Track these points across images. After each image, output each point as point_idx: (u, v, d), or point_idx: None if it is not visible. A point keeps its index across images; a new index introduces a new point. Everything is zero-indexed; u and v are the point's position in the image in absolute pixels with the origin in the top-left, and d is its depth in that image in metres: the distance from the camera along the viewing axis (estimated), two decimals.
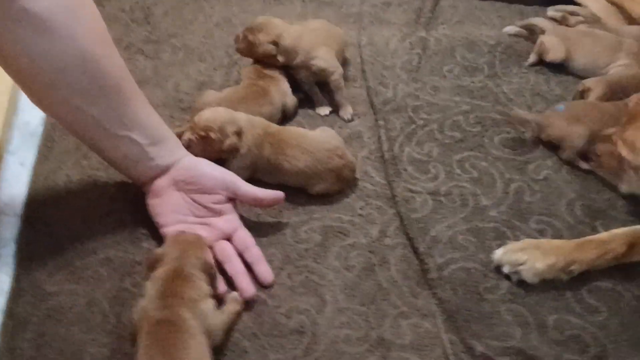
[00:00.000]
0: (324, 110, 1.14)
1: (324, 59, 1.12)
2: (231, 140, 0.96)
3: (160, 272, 0.79)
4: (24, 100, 1.12)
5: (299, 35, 1.13)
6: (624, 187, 1.00)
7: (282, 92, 1.11)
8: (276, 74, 1.12)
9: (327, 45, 1.14)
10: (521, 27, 1.32)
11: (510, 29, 1.32)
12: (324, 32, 1.17)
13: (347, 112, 1.14)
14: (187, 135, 0.97)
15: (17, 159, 1.03)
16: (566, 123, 1.07)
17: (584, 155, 1.06)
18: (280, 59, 1.12)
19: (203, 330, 0.76)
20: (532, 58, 1.25)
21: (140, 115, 0.88)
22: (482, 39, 1.31)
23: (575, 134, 1.05)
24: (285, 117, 1.12)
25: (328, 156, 0.99)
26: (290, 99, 1.12)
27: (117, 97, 0.85)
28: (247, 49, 1.13)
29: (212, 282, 0.83)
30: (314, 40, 1.14)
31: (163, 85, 1.19)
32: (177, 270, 0.79)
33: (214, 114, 0.97)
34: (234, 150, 0.97)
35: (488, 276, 0.91)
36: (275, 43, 1.11)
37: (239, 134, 0.97)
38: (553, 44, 1.23)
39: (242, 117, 0.99)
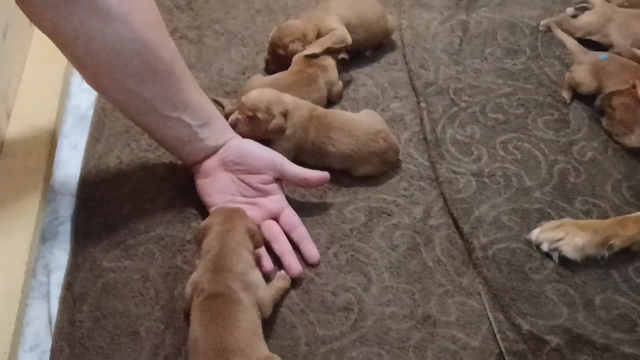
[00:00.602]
0: None
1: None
2: (277, 121, 0.97)
3: (208, 244, 0.81)
4: (75, 84, 1.17)
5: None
6: (634, 139, 1.02)
7: (329, 80, 1.12)
8: (327, 62, 1.13)
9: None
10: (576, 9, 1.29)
11: (570, 10, 1.29)
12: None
13: None
14: (235, 115, 0.99)
15: (70, 141, 1.07)
16: None
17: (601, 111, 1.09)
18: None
19: (253, 303, 0.78)
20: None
21: (191, 97, 0.90)
22: (523, 21, 1.31)
23: None
24: (329, 102, 1.13)
25: (372, 139, 1.00)
26: (337, 88, 1.13)
27: (169, 79, 0.87)
28: (280, 62, 1.16)
29: (257, 247, 0.85)
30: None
31: (207, 70, 1.21)
32: (224, 243, 0.81)
33: (261, 94, 0.99)
34: (279, 131, 0.98)
35: (533, 256, 0.91)
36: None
37: (285, 114, 0.98)
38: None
39: (288, 99, 1.00)
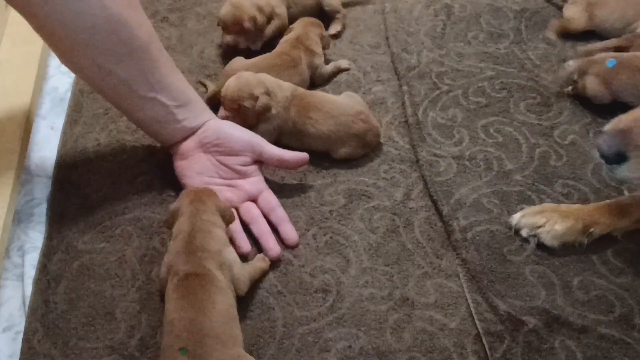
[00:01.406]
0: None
1: None
2: (262, 100, 0.96)
3: (179, 226, 0.80)
4: (53, 66, 1.15)
5: None
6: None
7: (314, 64, 1.11)
8: (316, 46, 1.13)
9: None
10: None
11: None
12: None
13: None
14: (222, 113, 0.98)
15: (47, 122, 1.05)
16: None
17: None
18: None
19: (228, 282, 0.77)
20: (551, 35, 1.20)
21: (168, 78, 0.89)
22: (507, 5, 1.30)
23: None
24: (312, 84, 1.12)
25: (352, 120, 0.99)
26: (321, 71, 1.13)
27: (145, 59, 0.86)
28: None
29: (229, 223, 0.84)
30: None
31: (188, 53, 1.20)
32: (195, 223, 0.80)
33: (238, 81, 0.98)
34: (267, 110, 0.97)
35: (512, 238, 0.91)
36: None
37: (267, 93, 0.97)
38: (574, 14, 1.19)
39: (268, 79, 0.99)
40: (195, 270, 0.76)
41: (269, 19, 1.17)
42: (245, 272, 0.81)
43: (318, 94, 1.04)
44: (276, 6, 1.19)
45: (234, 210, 0.88)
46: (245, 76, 0.99)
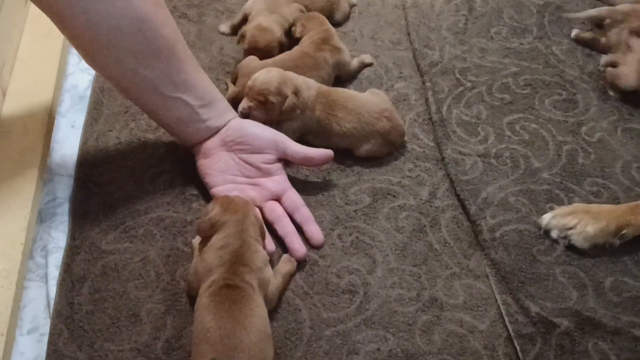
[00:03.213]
0: None
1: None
2: (291, 100, 0.95)
3: (227, 240, 0.78)
4: (72, 63, 1.14)
5: None
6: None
7: (342, 61, 1.10)
8: (342, 44, 1.11)
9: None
10: None
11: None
12: None
13: None
14: (245, 103, 0.96)
15: (67, 121, 1.04)
16: None
17: None
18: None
19: (263, 299, 0.76)
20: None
21: (192, 77, 0.88)
22: (530, 0, 1.28)
23: None
24: (337, 81, 1.11)
25: (376, 117, 0.97)
26: (349, 68, 1.11)
27: (170, 58, 0.85)
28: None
29: (263, 243, 0.83)
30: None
31: (207, 49, 1.18)
32: (246, 240, 0.78)
33: (268, 75, 0.96)
34: (294, 110, 0.96)
35: (541, 238, 0.89)
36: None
37: (296, 92, 0.96)
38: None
39: (297, 78, 0.98)
40: (236, 283, 0.74)
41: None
42: (276, 287, 0.80)
43: (342, 91, 1.02)
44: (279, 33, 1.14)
45: (258, 211, 0.87)
46: (274, 71, 0.97)
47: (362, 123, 0.97)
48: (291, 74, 0.98)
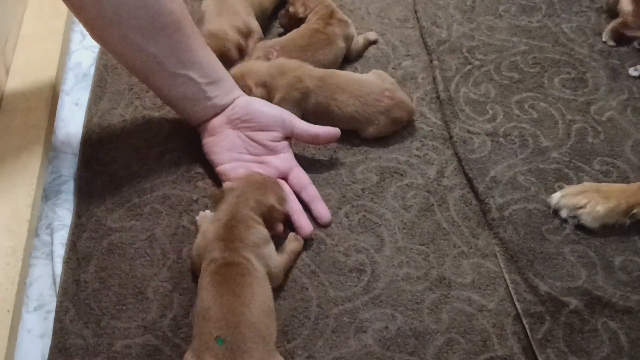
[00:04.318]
0: None
1: None
2: (256, 93, 0.96)
3: (218, 213, 0.78)
4: (75, 41, 1.13)
5: None
6: None
7: (350, 35, 1.08)
8: (346, 17, 1.10)
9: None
10: None
11: None
12: None
13: None
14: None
15: (71, 99, 1.03)
16: None
17: None
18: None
19: (265, 274, 0.75)
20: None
21: (199, 54, 0.87)
22: None
23: None
24: (344, 60, 1.10)
25: (377, 98, 0.96)
26: (356, 44, 1.10)
27: (177, 35, 0.84)
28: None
29: (273, 223, 0.82)
30: None
31: None
32: (235, 215, 0.78)
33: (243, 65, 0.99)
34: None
35: (550, 217, 0.88)
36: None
37: (265, 85, 0.97)
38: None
39: (297, 68, 0.98)
40: (235, 260, 0.73)
41: (247, 36, 1.09)
42: (280, 264, 0.79)
43: (342, 73, 1.00)
44: (250, 22, 1.09)
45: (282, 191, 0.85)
46: (250, 64, 0.99)
47: (364, 105, 0.96)
48: (292, 65, 0.97)
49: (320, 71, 0.99)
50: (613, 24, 1.14)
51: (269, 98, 0.97)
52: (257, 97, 0.95)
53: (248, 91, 0.95)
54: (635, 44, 1.12)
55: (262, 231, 0.79)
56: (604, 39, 1.14)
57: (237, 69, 0.99)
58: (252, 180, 0.82)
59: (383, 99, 0.96)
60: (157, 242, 0.85)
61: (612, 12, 1.16)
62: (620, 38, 1.13)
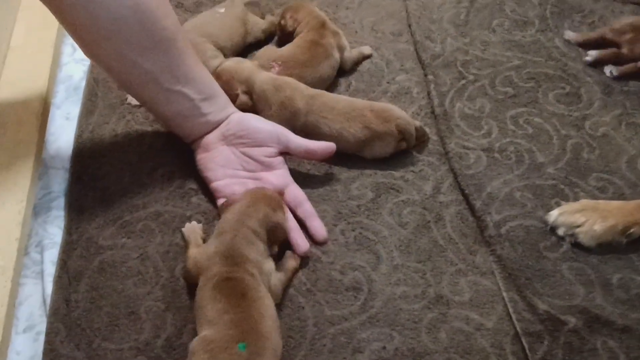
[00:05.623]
0: None
1: None
2: (242, 99, 0.96)
3: (224, 225, 0.78)
4: (66, 53, 1.11)
5: None
6: None
7: (342, 47, 1.08)
8: (335, 26, 1.10)
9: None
10: None
11: None
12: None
13: None
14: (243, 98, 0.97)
15: (62, 112, 1.01)
16: None
17: None
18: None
19: (267, 290, 0.75)
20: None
21: (193, 70, 0.86)
22: None
23: None
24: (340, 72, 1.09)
25: (361, 114, 0.94)
26: (349, 53, 1.09)
27: (171, 51, 0.83)
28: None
29: (274, 242, 0.81)
30: None
31: None
32: (239, 230, 0.77)
33: (235, 65, 0.98)
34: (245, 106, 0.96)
35: (548, 234, 0.88)
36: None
37: (249, 93, 0.96)
38: None
39: (295, 87, 0.97)
40: (241, 275, 0.73)
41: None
42: (279, 281, 0.78)
43: (328, 95, 0.98)
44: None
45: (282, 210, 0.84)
46: (236, 66, 0.98)
47: (350, 121, 0.94)
48: (290, 83, 0.97)
49: (316, 91, 0.98)
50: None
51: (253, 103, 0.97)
52: (242, 101, 0.94)
53: (234, 95, 0.94)
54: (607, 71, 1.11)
55: (262, 247, 0.78)
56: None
57: (224, 69, 0.98)
58: (261, 194, 0.81)
59: (365, 114, 0.94)
60: (150, 260, 0.83)
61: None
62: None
